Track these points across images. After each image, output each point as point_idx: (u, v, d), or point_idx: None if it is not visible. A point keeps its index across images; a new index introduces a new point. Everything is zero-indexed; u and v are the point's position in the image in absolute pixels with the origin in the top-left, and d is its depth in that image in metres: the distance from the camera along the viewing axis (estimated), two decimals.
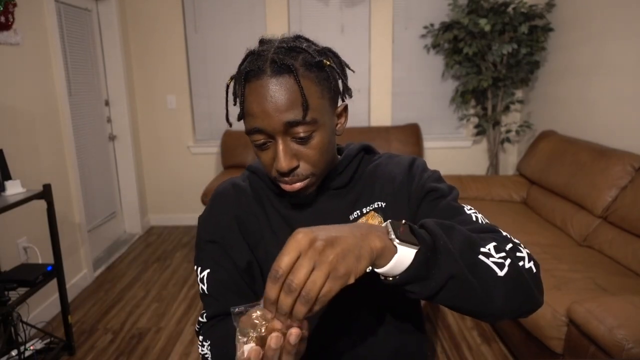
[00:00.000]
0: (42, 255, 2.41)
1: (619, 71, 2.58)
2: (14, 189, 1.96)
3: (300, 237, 0.51)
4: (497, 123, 3.68)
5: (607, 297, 1.76)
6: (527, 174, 3.19)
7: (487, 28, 3.22)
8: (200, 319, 0.84)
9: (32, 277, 1.94)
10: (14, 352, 1.98)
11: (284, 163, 0.70)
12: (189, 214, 4.12)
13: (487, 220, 0.75)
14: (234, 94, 0.75)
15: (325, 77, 0.72)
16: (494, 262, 0.62)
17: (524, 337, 1.94)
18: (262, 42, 0.74)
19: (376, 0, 3.71)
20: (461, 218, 0.74)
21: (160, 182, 4.10)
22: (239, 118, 0.73)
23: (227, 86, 0.77)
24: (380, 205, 0.82)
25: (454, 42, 3.53)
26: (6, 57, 2.27)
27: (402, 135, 3.76)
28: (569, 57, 3.11)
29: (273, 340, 0.51)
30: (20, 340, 2.07)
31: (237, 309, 0.56)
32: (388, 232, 0.57)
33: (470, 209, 0.76)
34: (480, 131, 3.76)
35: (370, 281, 0.64)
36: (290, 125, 0.68)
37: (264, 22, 3.78)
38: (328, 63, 0.71)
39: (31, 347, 2.04)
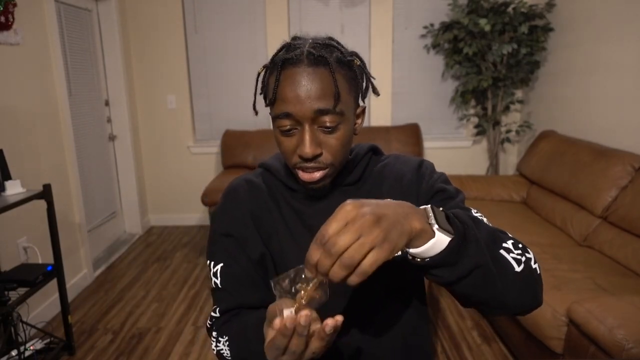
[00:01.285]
0: (42, 255, 2.41)
1: (619, 71, 2.58)
2: (14, 189, 1.96)
3: (350, 208, 0.53)
4: (497, 123, 3.68)
5: (607, 297, 1.76)
6: (527, 174, 3.19)
7: (487, 28, 3.21)
8: (212, 314, 0.84)
9: (32, 277, 1.94)
10: (14, 352, 1.98)
11: (309, 149, 0.71)
12: (189, 214, 4.13)
13: (491, 224, 0.78)
14: (263, 81, 0.78)
15: (353, 77, 0.75)
16: (513, 258, 0.66)
17: (524, 337, 1.94)
18: (295, 38, 0.78)
19: (376, 0, 3.71)
20: None
21: (160, 182, 4.10)
22: (270, 103, 0.75)
23: (259, 74, 0.79)
24: None
25: (454, 42, 3.53)
26: (6, 57, 2.27)
27: (402, 135, 3.76)
28: (569, 57, 3.11)
29: (302, 318, 0.52)
30: (20, 340, 2.07)
31: (275, 278, 0.59)
32: (428, 217, 0.59)
33: (477, 212, 0.79)
34: (480, 131, 3.76)
35: (382, 274, 0.65)
36: (320, 112, 0.71)
37: (264, 22, 3.78)
38: (358, 63, 0.76)
39: (31, 347, 2.04)
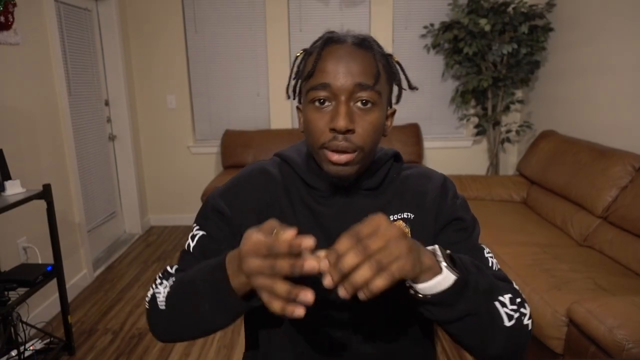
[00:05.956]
0: (42, 255, 2.41)
1: (619, 71, 2.58)
2: (14, 189, 1.96)
3: (383, 219, 0.55)
4: (497, 123, 3.68)
5: (607, 297, 1.76)
6: (527, 174, 3.18)
7: (487, 28, 3.21)
8: (168, 268, 0.81)
9: (32, 277, 1.94)
10: (13, 352, 1.98)
11: (343, 121, 0.69)
12: (189, 214, 4.12)
13: (499, 267, 0.79)
14: (299, 65, 0.77)
15: (390, 72, 0.76)
16: (506, 312, 0.67)
17: None
18: (332, 32, 0.78)
19: (376, 0, 3.71)
20: (480, 261, 0.77)
21: (160, 182, 4.09)
22: (307, 76, 0.73)
23: (296, 58, 0.79)
24: (409, 217, 0.81)
25: (454, 42, 3.53)
26: (6, 57, 2.27)
27: (402, 135, 3.76)
28: (569, 57, 3.11)
29: (307, 241, 0.53)
30: (20, 340, 2.07)
31: None
32: (436, 255, 0.62)
33: (489, 252, 0.80)
34: (480, 131, 3.76)
35: (389, 301, 0.70)
36: (360, 87, 0.70)
37: (264, 22, 3.78)
38: (396, 59, 0.78)
39: (31, 347, 2.04)
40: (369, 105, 0.71)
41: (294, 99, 0.81)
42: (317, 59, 0.72)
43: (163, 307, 0.73)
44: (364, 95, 0.70)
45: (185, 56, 3.85)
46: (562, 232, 2.57)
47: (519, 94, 3.78)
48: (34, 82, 2.49)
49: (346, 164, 0.72)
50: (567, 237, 2.49)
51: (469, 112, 3.88)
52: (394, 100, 0.81)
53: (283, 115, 3.95)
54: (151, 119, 3.96)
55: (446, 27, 3.52)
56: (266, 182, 0.84)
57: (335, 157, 0.72)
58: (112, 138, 3.70)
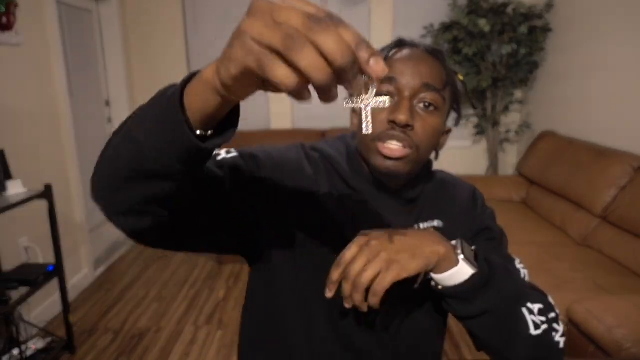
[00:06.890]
0: (43, 255, 2.41)
1: (618, 71, 2.59)
2: (15, 189, 1.96)
3: (362, 237, 0.61)
4: (496, 123, 3.69)
5: (607, 296, 1.77)
6: (526, 174, 3.19)
7: (487, 28, 3.22)
8: None
9: (33, 277, 1.95)
10: (15, 351, 1.99)
11: (403, 115, 0.66)
12: None
13: (529, 278, 0.79)
14: None
15: (454, 87, 0.75)
16: (533, 321, 0.67)
17: None
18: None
19: (376, 0, 3.71)
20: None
21: None
22: None
23: None
24: (439, 225, 0.80)
25: (453, 43, 3.53)
26: (7, 57, 2.28)
27: None
28: (568, 58, 3.12)
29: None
30: (21, 339, 2.07)
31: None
32: (456, 247, 0.63)
33: (520, 264, 0.79)
34: (480, 131, 3.77)
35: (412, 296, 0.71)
36: (426, 87, 0.68)
37: None
38: (461, 78, 0.77)
39: (32, 346, 2.05)
40: (431, 108, 0.69)
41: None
42: (386, 56, 0.71)
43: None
44: (428, 97, 0.68)
45: (186, 56, 3.85)
46: (562, 232, 2.58)
47: (518, 94, 3.79)
48: (35, 83, 2.49)
49: (399, 158, 0.67)
50: (566, 237, 2.50)
51: (468, 112, 3.88)
52: (452, 122, 0.79)
53: (283, 115, 3.96)
54: None
55: (446, 27, 3.52)
56: (310, 164, 0.77)
57: (388, 150, 0.67)
58: None
